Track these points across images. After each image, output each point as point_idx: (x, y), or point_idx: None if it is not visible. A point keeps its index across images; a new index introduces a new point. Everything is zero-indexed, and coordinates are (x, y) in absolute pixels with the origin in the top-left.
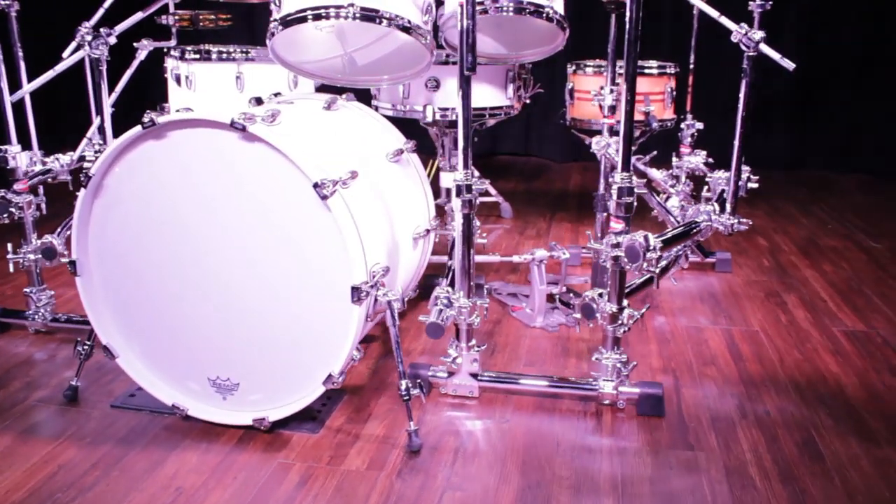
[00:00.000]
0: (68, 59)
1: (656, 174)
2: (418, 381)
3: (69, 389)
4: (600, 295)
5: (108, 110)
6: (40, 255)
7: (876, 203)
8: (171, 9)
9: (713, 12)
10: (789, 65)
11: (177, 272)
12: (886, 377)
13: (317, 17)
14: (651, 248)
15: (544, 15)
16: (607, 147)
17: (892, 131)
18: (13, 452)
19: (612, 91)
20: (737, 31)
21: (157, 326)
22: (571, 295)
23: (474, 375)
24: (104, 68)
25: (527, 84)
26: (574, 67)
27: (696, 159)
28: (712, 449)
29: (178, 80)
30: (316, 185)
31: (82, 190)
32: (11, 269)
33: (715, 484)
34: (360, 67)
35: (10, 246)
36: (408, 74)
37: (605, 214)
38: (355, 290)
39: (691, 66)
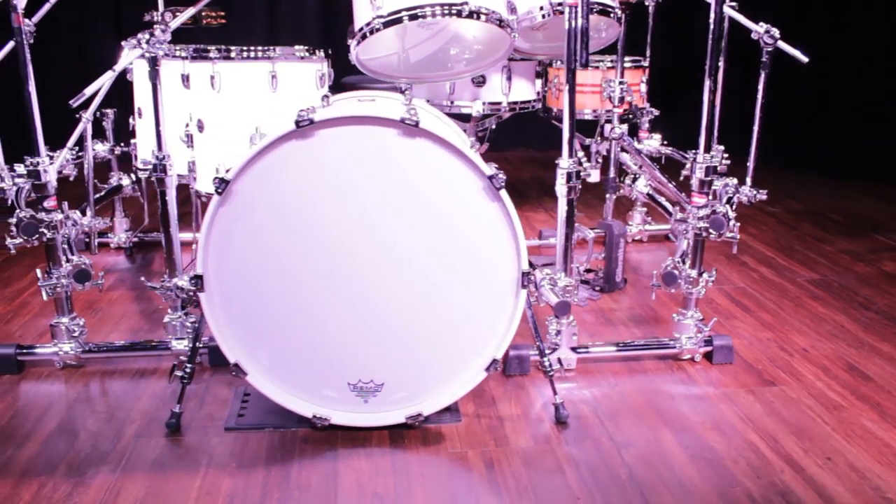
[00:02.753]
0: (125, 60)
1: (626, 157)
2: (520, 359)
3: (172, 418)
4: (682, 262)
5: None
6: (72, 280)
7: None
8: (161, 6)
9: (736, 15)
10: (803, 59)
11: (313, 278)
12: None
13: (413, 18)
14: (731, 219)
15: (612, 14)
16: (622, 135)
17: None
18: (162, 493)
19: (620, 83)
20: (756, 29)
21: (286, 338)
22: (591, 272)
23: (573, 349)
24: (160, 68)
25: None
26: (558, 61)
27: (653, 142)
28: (788, 382)
29: (185, 81)
30: (491, 178)
31: (215, 197)
32: (45, 298)
33: (814, 410)
34: (419, 63)
35: (38, 272)
36: (483, 65)
37: (615, 195)
38: (525, 276)
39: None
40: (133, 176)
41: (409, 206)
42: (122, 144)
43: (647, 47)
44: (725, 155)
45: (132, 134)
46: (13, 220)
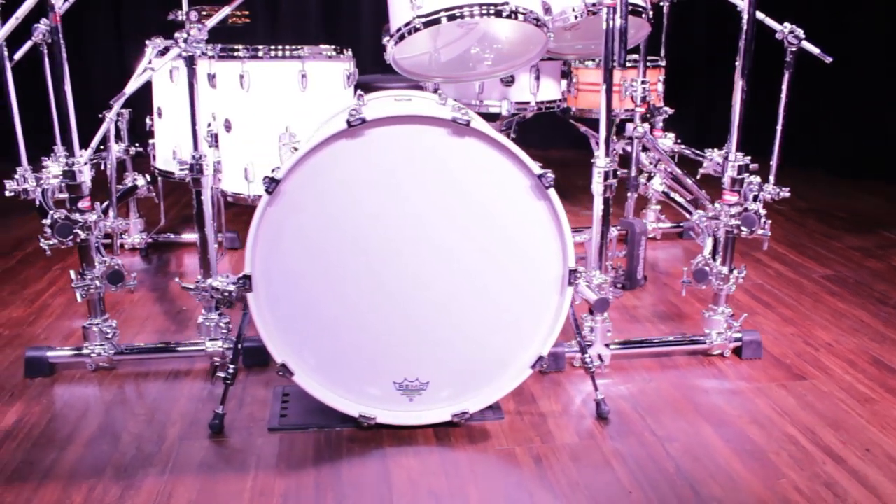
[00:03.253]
0: (166, 60)
1: (644, 157)
2: (556, 356)
3: (216, 419)
4: (713, 259)
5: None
6: (106, 281)
7: None
8: (186, 6)
9: (760, 15)
10: (827, 59)
11: (360, 277)
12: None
13: (452, 18)
14: (763, 216)
15: (644, 15)
16: (645, 134)
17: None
18: (214, 494)
19: (643, 83)
20: (780, 29)
21: (332, 337)
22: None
23: (607, 345)
24: (196, 67)
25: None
26: (577, 60)
27: (667, 141)
28: (817, 376)
29: (211, 80)
30: (540, 177)
31: (264, 197)
32: (80, 300)
33: (846, 403)
34: (450, 62)
35: (73, 273)
36: (516, 65)
37: (636, 194)
38: (573, 273)
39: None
40: (148, 176)
41: (455, 204)
42: (137, 145)
43: (662, 47)
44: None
45: (149, 134)
46: (47, 221)
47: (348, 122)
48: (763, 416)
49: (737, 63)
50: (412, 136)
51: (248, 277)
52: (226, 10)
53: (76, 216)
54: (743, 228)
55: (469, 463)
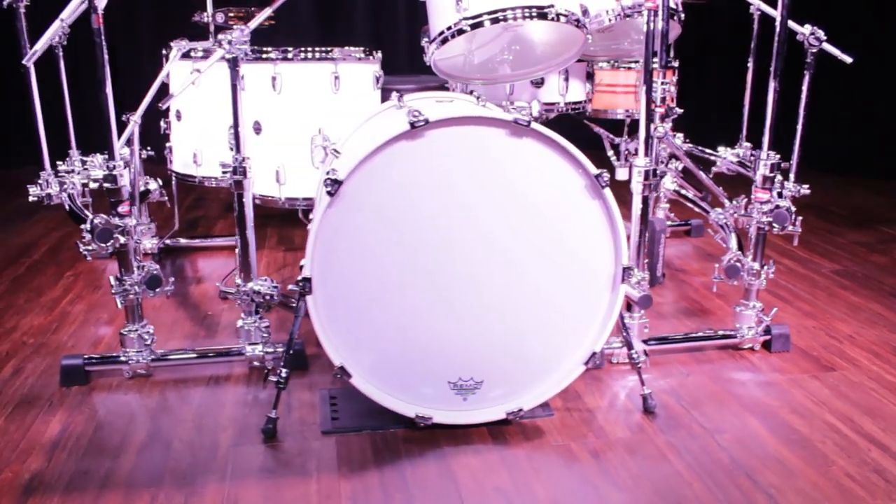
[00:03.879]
0: (211, 61)
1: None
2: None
3: (269, 424)
4: (743, 255)
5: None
6: (144, 286)
7: None
8: (210, 7)
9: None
10: (847, 59)
11: (416, 277)
12: None
13: (496, 21)
14: (794, 212)
15: (676, 17)
16: (665, 134)
17: None
18: (280, 499)
19: (663, 84)
20: (802, 31)
21: (388, 338)
22: None
23: (644, 341)
24: (240, 69)
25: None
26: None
27: (676, 141)
28: (846, 367)
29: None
30: (597, 177)
31: (325, 199)
32: (120, 306)
33: (878, 392)
34: (483, 63)
35: (112, 279)
36: (553, 65)
37: (656, 193)
38: (626, 270)
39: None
40: (160, 180)
41: (510, 204)
42: (149, 148)
43: (672, 48)
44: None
45: (164, 137)
46: (86, 227)
47: (412, 123)
48: (802, 407)
49: (771, 67)
50: (471, 137)
51: (308, 280)
52: (266, 12)
53: (116, 220)
54: (775, 225)
55: (528, 459)
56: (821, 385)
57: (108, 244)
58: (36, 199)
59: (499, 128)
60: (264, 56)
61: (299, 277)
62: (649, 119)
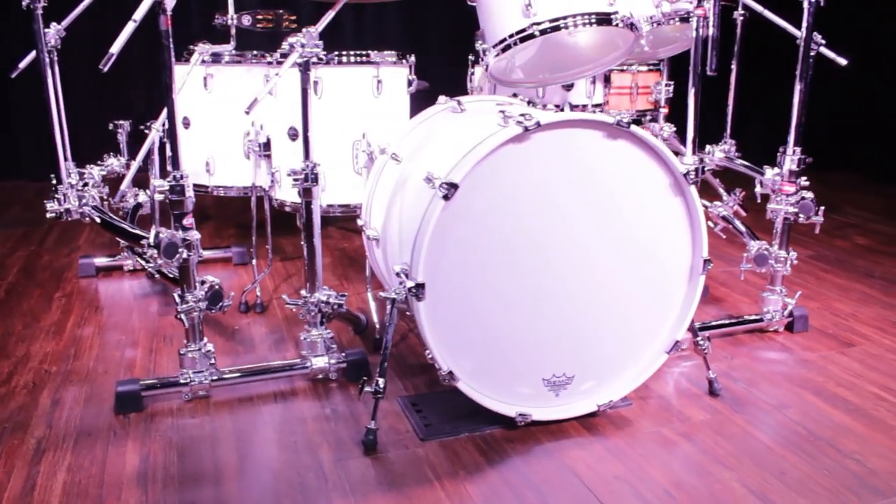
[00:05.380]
0: (287, 66)
1: None
2: None
3: (369, 435)
4: (771, 245)
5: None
6: (206, 302)
7: None
8: (232, 10)
9: (780, 21)
10: (842, 61)
11: (515, 278)
12: None
13: (558, 28)
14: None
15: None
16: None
17: None
18: None
19: (667, 85)
20: (800, 35)
21: (487, 340)
22: None
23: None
24: (311, 73)
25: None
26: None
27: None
28: (862, 342)
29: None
30: (685, 175)
31: (442, 203)
32: (186, 325)
33: None
34: (526, 66)
35: (176, 296)
36: (599, 66)
37: None
38: (706, 262)
39: None
40: (148, 193)
41: (599, 202)
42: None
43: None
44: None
45: (161, 147)
46: (149, 241)
47: (525, 126)
48: (843, 380)
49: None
50: (571, 139)
51: (421, 286)
52: (331, 13)
53: (182, 234)
54: (800, 215)
55: (631, 447)
56: (849, 359)
57: (175, 259)
58: (54, 214)
59: (598, 130)
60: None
61: (410, 283)
62: (697, 119)
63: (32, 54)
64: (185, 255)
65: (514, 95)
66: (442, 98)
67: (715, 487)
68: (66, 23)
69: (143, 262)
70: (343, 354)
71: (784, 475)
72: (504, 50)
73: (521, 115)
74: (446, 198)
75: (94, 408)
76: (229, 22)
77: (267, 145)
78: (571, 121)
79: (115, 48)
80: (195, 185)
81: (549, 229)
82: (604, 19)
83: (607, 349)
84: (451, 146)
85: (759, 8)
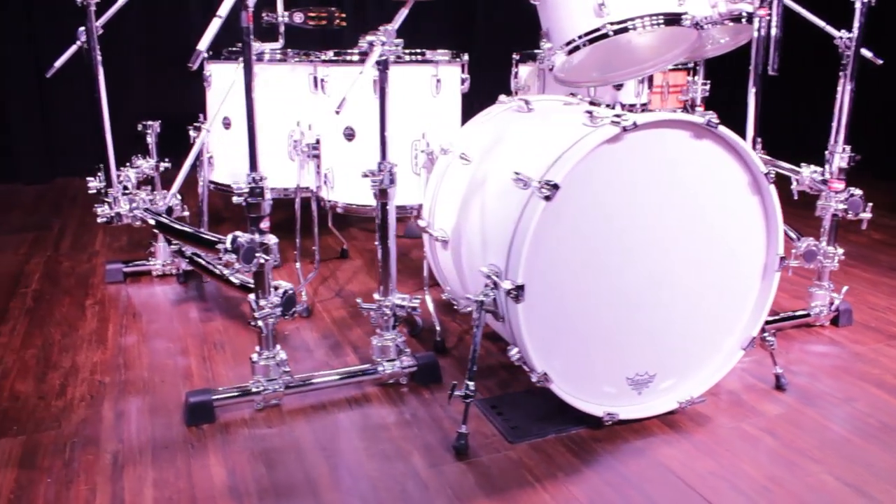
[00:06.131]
0: (370, 63)
1: None
2: None
3: (461, 439)
4: (819, 241)
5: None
6: (279, 309)
7: None
8: (281, 7)
9: (819, 21)
10: (878, 60)
11: (604, 278)
12: None
13: (625, 29)
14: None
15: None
16: None
17: None
18: None
19: (703, 84)
20: (839, 36)
21: (576, 340)
22: None
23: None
24: (389, 72)
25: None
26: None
27: None
28: None
29: (316, 83)
30: (766, 175)
31: (543, 204)
32: (264, 332)
33: None
34: (582, 65)
35: (252, 302)
36: (660, 63)
37: None
38: (782, 259)
39: None
40: (180, 195)
41: (683, 202)
42: (167, 160)
43: None
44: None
45: (190, 147)
46: (225, 245)
47: (623, 127)
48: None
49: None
50: (661, 139)
51: (521, 287)
52: (403, 12)
53: (259, 238)
54: (849, 211)
55: (717, 444)
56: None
57: (252, 264)
58: (106, 220)
59: (685, 129)
60: (347, 59)
61: (509, 286)
62: (756, 119)
63: (68, 53)
64: (262, 260)
65: (572, 95)
66: (503, 97)
67: (808, 481)
68: (103, 20)
69: (194, 266)
70: (415, 358)
71: (872, 467)
72: (573, 50)
73: (615, 115)
74: (547, 198)
75: (162, 419)
76: (279, 19)
77: (316, 145)
78: (664, 121)
79: (203, 45)
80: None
81: (636, 228)
82: (673, 19)
83: (685, 347)
84: (537, 146)
85: (796, 7)
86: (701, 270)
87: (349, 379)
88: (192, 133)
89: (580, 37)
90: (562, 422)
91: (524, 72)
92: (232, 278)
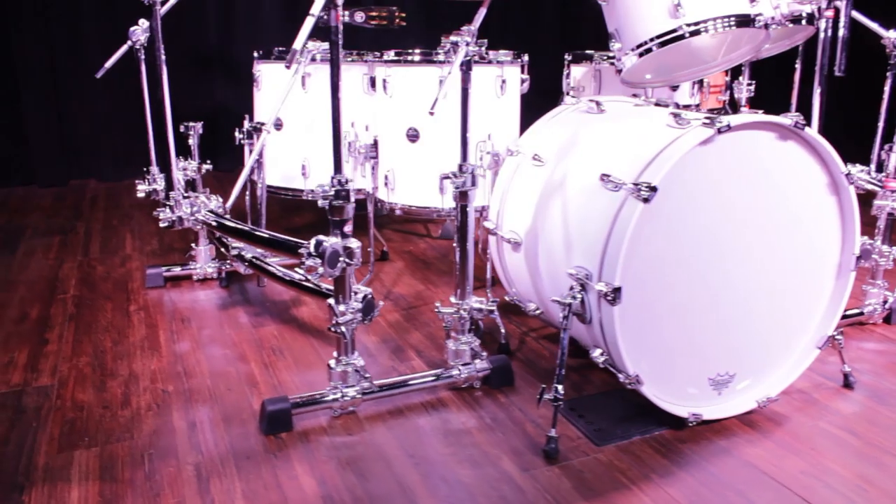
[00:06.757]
0: (457, 63)
1: None
2: None
3: (551, 443)
4: (874, 240)
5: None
6: (360, 314)
7: None
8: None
9: (870, 23)
10: None
11: (691, 279)
12: None
13: (698, 32)
14: None
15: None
16: None
17: None
18: None
19: (748, 85)
20: (887, 36)
21: (663, 342)
22: None
23: None
24: (472, 73)
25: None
26: None
27: None
28: None
29: (373, 84)
30: (846, 175)
31: (641, 206)
32: (347, 337)
33: None
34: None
35: (334, 307)
36: (725, 63)
37: None
38: (858, 259)
39: None
40: (220, 198)
41: (766, 202)
42: (208, 162)
43: None
44: None
45: (239, 149)
46: (308, 249)
47: (718, 129)
48: None
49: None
50: (749, 140)
51: (618, 290)
52: (482, 12)
53: (343, 242)
54: None
55: (799, 441)
56: None
57: (336, 269)
58: (167, 224)
59: (772, 131)
60: (434, 60)
61: (604, 288)
62: (822, 119)
63: (119, 53)
64: (345, 265)
65: (635, 95)
66: (568, 98)
67: None
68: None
69: (256, 270)
70: (490, 361)
71: None
72: (645, 52)
73: (706, 117)
74: (646, 200)
75: (237, 429)
76: (353, 19)
77: (374, 147)
78: (754, 123)
79: (299, 44)
80: (290, 189)
81: (723, 229)
82: (745, 21)
83: (763, 346)
84: (622, 148)
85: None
86: (778, 270)
87: (426, 383)
88: (237, 135)
89: (653, 38)
90: (643, 423)
91: (577, 72)
92: (308, 282)
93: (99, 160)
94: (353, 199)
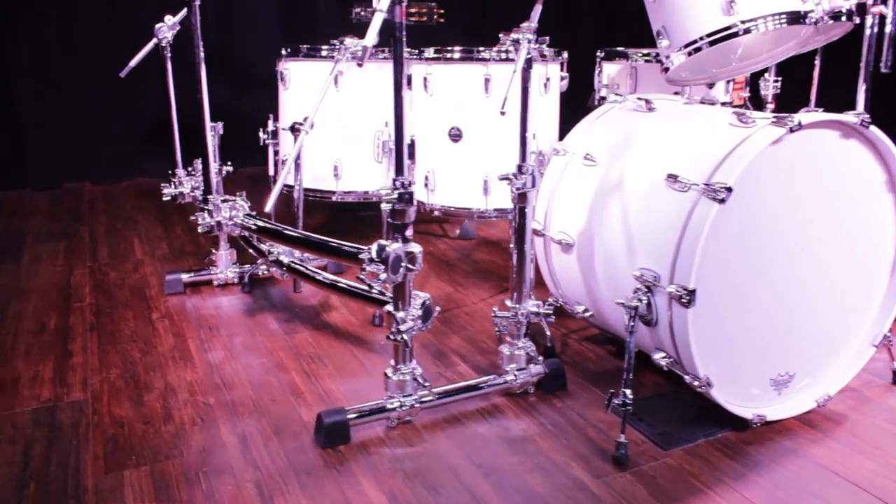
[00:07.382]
0: (520, 61)
1: None
2: None
3: (621, 449)
4: None
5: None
6: (420, 321)
7: None
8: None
9: None
10: None
11: (758, 279)
12: None
13: (746, 31)
14: None
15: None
16: None
17: None
18: None
19: (775, 82)
20: None
21: (730, 341)
22: None
23: None
24: (532, 71)
25: None
26: None
27: None
28: None
29: (409, 82)
30: None
31: (716, 207)
32: (409, 345)
33: None
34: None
35: (396, 314)
36: (769, 58)
37: None
38: None
39: None
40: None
41: (829, 201)
42: (229, 163)
43: None
44: None
45: (263, 150)
46: (370, 255)
47: (790, 128)
48: None
49: None
50: (816, 139)
51: (692, 292)
52: (539, 7)
53: (405, 247)
54: None
55: (862, 440)
56: None
57: (399, 274)
58: (206, 229)
59: (836, 129)
60: (476, 57)
61: (677, 290)
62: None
63: (143, 52)
64: (406, 270)
65: (676, 93)
66: (612, 97)
67: None
68: (180, 16)
69: (296, 275)
70: (545, 366)
71: None
72: (696, 50)
73: (774, 116)
74: (722, 201)
75: (290, 442)
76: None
77: (411, 146)
78: (823, 121)
79: (370, 41)
80: (320, 191)
81: (790, 228)
82: (795, 18)
83: (820, 344)
84: (686, 147)
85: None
86: (836, 268)
87: (480, 390)
88: (261, 135)
89: (704, 36)
90: (705, 425)
91: (611, 69)
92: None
93: (93, 162)
94: (415, 202)
